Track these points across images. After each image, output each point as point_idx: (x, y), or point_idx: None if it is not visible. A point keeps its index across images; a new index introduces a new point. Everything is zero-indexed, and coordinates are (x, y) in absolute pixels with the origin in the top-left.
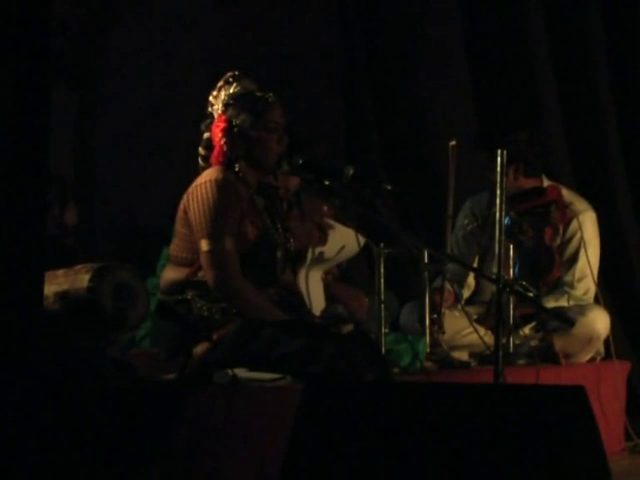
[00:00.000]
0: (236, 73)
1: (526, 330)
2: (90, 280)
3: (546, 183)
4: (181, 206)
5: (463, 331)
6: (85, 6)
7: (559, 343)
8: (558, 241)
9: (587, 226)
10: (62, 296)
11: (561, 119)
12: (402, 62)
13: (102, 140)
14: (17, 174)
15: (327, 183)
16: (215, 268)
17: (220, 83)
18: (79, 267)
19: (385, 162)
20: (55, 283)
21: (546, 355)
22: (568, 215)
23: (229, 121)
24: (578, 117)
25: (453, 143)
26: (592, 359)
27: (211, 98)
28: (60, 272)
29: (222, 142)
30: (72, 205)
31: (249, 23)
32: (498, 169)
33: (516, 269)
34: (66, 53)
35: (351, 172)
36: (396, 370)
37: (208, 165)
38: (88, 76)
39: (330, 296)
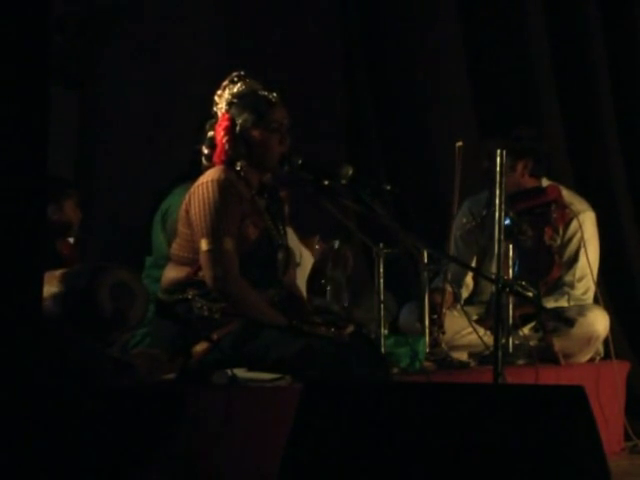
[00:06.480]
0: (241, 73)
1: (525, 330)
2: (88, 280)
3: (546, 183)
4: (183, 205)
5: (462, 331)
6: (84, 6)
7: (558, 343)
8: (558, 241)
9: (587, 226)
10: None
11: (561, 119)
12: (402, 62)
13: (102, 140)
14: (16, 174)
15: (326, 183)
16: (214, 267)
17: (225, 82)
18: (78, 267)
19: (385, 162)
20: (54, 283)
21: (545, 355)
22: (568, 215)
23: (231, 120)
24: (578, 117)
25: (460, 144)
26: (591, 359)
27: (216, 97)
28: (58, 272)
29: (224, 141)
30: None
31: (250, 24)
32: (498, 169)
33: (515, 269)
34: (66, 53)
35: (350, 172)
36: (396, 370)
37: (211, 164)
38: (88, 76)
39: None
